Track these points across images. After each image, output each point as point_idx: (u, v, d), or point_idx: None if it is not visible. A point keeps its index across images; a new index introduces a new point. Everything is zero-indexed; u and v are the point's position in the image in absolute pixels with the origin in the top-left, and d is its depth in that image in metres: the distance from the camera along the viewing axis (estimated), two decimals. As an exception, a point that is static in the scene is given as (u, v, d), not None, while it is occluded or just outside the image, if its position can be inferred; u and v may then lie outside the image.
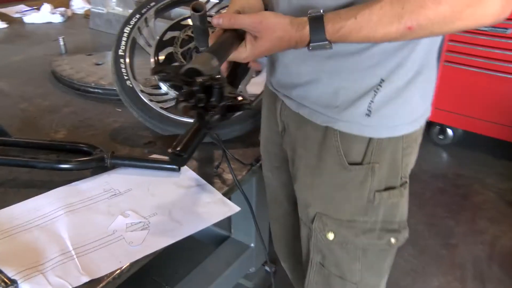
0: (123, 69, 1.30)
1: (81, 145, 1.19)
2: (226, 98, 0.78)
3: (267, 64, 1.02)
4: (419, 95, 0.86)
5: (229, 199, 1.06)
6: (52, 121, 1.38)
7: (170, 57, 1.33)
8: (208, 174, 1.15)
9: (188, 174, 1.14)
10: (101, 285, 0.83)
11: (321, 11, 0.75)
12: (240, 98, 0.81)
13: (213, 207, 1.03)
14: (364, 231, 0.92)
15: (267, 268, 1.94)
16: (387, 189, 0.90)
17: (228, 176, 1.13)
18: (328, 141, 0.89)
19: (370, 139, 0.86)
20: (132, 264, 0.87)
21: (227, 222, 1.87)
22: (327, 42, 0.75)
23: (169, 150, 0.79)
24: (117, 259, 0.88)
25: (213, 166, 1.18)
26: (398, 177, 0.90)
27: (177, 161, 0.90)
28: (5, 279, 0.78)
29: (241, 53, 0.83)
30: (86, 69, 1.63)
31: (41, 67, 1.74)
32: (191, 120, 1.24)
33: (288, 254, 1.32)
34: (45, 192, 1.05)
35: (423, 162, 2.86)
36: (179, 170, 1.14)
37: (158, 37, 1.37)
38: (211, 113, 0.78)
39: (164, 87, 1.32)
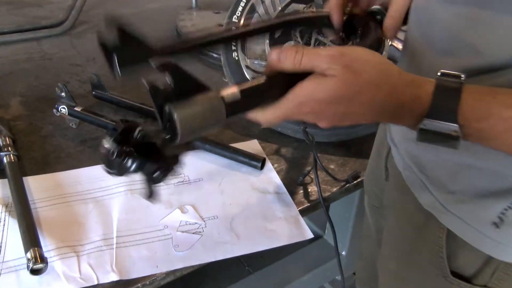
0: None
1: (169, 115, 1.10)
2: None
3: None
4: None
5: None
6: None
7: (287, 33, 1.15)
8: (292, 180, 0.97)
9: (269, 176, 0.98)
10: (127, 289, 0.73)
11: (462, 77, 0.46)
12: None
13: (283, 227, 0.86)
14: None
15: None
16: None
17: (315, 190, 0.94)
18: (430, 232, 0.64)
19: (491, 257, 0.59)
20: (168, 273, 0.76)
21: (324, 220, 1.69)
22: (455, 127, 0.45)
23: None
24: (155, 262, 0.77)
25: (302, 172, 0.99)
26: None
27: None
28: (37, 256, 0.72)
29: (281, 103, 0.50)
30: (207, 29, 1.53)
31: (169, 20, 1.69)
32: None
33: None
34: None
35: None
36: (261, 168, 0.98)
37: (280, 8, 1.18)
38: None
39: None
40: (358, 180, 0.98)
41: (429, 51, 0.57)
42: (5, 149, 0.95)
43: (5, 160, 0.93)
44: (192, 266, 0.77)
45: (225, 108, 0.48)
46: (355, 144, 1.08)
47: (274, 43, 1.16)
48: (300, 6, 1.17)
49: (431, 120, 0.45)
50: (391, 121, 0.50)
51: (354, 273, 1.67)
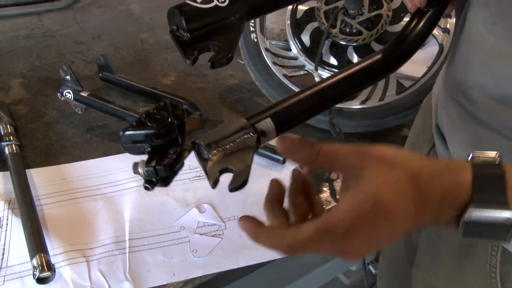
0: (251, 18, 1.07)
1: (181, 100, 1.02)
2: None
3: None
4: None
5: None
6: (165, 61, 1.22)
7: (310, 13, 1.05)
8: (317, 176, 0.90)
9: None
10: (141, 301, 0.67)
11: (497, 157, 0.38)
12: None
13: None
14: None
15: (371, 268, 1.71)
16: None
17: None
18: (480, 248, 0.57)
19: None
20: (186, 282, 0.70)
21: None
22: (508, 213, 0.36)
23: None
24: (171, 269, 0.70)
25: (326, 166, 0.92)
26: None
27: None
28: (44, 263, 0.66)
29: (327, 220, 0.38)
30: (220, 4, 1.42)
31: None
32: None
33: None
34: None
35: None
36: (283, 162, 0.91)
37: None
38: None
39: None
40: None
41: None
42: (7, 138, 0.88)
43: (6, 150, 0.86)
44: (212, 274, 0.71)
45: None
46: (382, 136, 1.01)
47: (296, 23, 1.07)
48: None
49: (477, 209, 0.37)
50: (421, 216, 0.39)
51: (371, 262, 1.63)
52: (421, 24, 0.61)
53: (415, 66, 1.04)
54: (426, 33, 0.61)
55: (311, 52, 1.05)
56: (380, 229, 0.36)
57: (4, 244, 0.73)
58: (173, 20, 0.44)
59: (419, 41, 0.61)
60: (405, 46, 0.60)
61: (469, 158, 0.39)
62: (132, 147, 0.43)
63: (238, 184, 0.39)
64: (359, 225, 0.36)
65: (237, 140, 0.42)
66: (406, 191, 0.36)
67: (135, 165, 0.42)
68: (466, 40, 0.53)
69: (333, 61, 1.05)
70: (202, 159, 0.42)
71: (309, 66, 1.05)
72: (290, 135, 0.42)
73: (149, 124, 0.42)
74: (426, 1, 0.56)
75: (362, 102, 0.98)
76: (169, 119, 0.42)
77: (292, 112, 0.48)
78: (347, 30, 1.01)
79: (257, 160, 0.91)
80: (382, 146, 0.39)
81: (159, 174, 0.41)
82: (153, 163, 0.41)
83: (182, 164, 0.43)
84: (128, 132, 0.42)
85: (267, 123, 0.44)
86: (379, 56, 0.58)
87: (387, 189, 0.36)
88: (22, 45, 1.25)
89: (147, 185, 0.42)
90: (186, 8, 0.43)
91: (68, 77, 0.98)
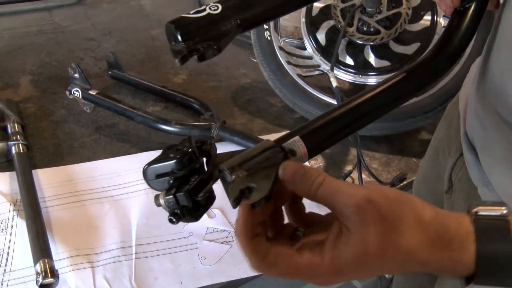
0: (264, 15, 1.03)
1: (192, 100, 0.99)
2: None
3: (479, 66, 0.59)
4: None
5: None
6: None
7: (326, 11, 1.02)
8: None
9: (305, 174, 0.87)
10: (147, 311, 0.65)
11: (504, 210, 0.35)
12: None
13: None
14: None
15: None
16: None
17: (356, 193, 0.84)
18: None
19: None
20: (194, 291, 0.67)
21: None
22: None
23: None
24: (179, 278, 0.68)
25: (341, 170, 0.89)
26: None
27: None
28: (47, 269, 0.64)
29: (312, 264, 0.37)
30: None
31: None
32: (331, 100, 0.96)
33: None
34: (137, 152, 0.89)
35: None
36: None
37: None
38: None
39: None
40: (405, 182, 0.87)
41: None
42: (14, 138, 0.86)
43: (13, 150, 0.84)
44: (221, 283, 0.68)
45: None
46: (398, 139, 0.97)
47: (311, 21, 1.04)
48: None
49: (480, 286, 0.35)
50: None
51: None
52: (463, 25, 0.53)
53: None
54: (471, 33, 0.55)
55: (327, 51, 1.02)
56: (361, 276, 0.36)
57: (9, 247, 0.71)
58: (170, 33, 0.43)
59: (464, 44, 0.55)
60: (450, 51, 0.53)
61: (472, 215, 0.35)
62: (156, 182, 0.40)
63: (255, 200, 0.36)
64: (340, 275, 0.36)
65: (262, 160, 0.39)
66: (396, 260, 0.35)
67: (156, 197, 0.40)
68: (503, 43, 0.49)
69: (349, 61, 1.01)
70: (225, 183, 0.40)
71: (325, 66, 1.01)
72: (294, 164, 0.39)
73: (171, 155, 0.40)
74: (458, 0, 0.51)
75: (379, 104, 0.95)
76: (190, 149, 0.40)
77: (324, 131, 0.44)
78: (365, 28, 0.97)
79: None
80: (388, 198, 0.36)
81: (180, 202, 0.38)
82: (173, 191, 0.38)
83: (210, 196, 0.40)
84: (150, 166, 0.40)
85: (295, 142, 0.41)
86: (421, 64, 0.51)
87: (377, 254, 0.34)
88: (33, 41, 1.24)
89: (171, 217, 0.39)
90: (180, 20, 0.42)
91: (76, 75, 0.95)
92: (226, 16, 0.42)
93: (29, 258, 0.67)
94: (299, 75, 1.00)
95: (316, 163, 0.90)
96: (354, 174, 0.86)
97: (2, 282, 0.67)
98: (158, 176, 0.40)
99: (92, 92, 0.95)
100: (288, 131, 0.43)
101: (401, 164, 0.92)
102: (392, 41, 0.97)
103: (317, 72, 1.02)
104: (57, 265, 0.66)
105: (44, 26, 1.31)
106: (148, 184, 0.41)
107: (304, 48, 1.04)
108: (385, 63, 1.00)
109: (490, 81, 0.51)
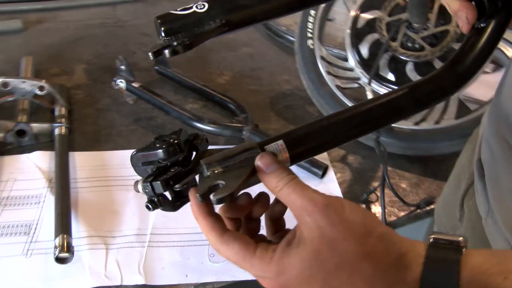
0: (309, 23, 1.04)
1: (229, 101, 1.01)
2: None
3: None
4: None
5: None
6: (223, 60, 1.23)
7: (372, 24, 1.00)
8: (355, 196, 0.85)
9: (329, 186, 0.87)
10: (149, 297, 0.67)
11: (460, 240, 0.34)
12: None
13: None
14: None
15: None
16: None
17: (379, 212, 0.82)
18: None
19: None
20: (197, 286, 0.69)
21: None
22: None
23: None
24: (185, 270, 0.70)
25: (367, 186, 0.87)
26: None
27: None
28: (65, 244, 0.68)
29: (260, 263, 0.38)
30: None
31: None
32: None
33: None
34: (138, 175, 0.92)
35: None
36: (322, 176, 0.87)
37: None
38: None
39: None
40: (432, 206, 0.84)
41: None
42: (59, 120, 0.92)
43: (56, 132, 0.90)
44: (225, 282, 0.69)
45: None
46: (434, 162, 0.93)
47: (356, 33, 1.02)
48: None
49: None
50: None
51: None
52: (478, 45, 0.52)
53: (485, 88, 0.95)
54: (485, 54, 0.53)
55: (369, 64, 1.00)
56: None
57: (38, 219, 0.77)
58: (156, 28, 0.45)
59: (476, 66, 0.53)
60: (459, 71, 0.52)
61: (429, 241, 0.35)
62: (141, 169, 0.43)
63: (219, 197, 0.37)
64: (284, 275, 0.36)
65: (239, 160, 0.40)
66: (345, 270, 0.34)
67: (136, 183, 0.42)
68: None
69: (390, 76, 0.99)
70: (201, 177, 0.41)
71: (365, 79, 1.00)
72: (272, 157, 0.39)
73: (157, 145, 0.42)
74: (474, 16, 0.47)
75: (416, 123, 0.92)
76: (176, 141, 0.42)
77: (309, 136, 0.44)
78: (409, 44, 0.95)
79: (292, 170, 0.88)
80: (344, 207, 0.36)
81: (156, 190, 0.40)
82: (150, 179, 0.40)
83: (188, 187, 0.42)
84: (137, 153, 0.42)
85: (278, 146, 0.42)
86: (425, 81, 0.51)
87: (322, 268, 0.34)
88: (94, 33, 1.32)
89: (148, 204, 0.41)
90: (167, 16, 0.43)
91: (123, 66, 1.01)
92: (211, 15, 0.43)
93: (53, 232, 0.72)
94: (337, 86, 0.99)
95: (343, 176, 0.89)
96: (379, 192, 0.84)
97: (28, 250, 0.72)
98: (144, 163, 0.42)
99: (135, 85, 1.00)
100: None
101: (432, 187, 0.88)
102: (437, 59, 0.94)
103: (356, 85, 1.00)
104: (74, 243, 0.70)
105: (107, 19, 1.39)
106: (135, 170, 0.43)
107: (346, 60, 1.03)
108: (428, 81, 0.96)
109: (500, 106, 0.49)
